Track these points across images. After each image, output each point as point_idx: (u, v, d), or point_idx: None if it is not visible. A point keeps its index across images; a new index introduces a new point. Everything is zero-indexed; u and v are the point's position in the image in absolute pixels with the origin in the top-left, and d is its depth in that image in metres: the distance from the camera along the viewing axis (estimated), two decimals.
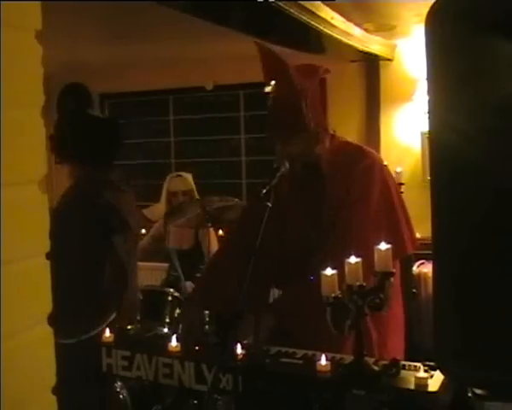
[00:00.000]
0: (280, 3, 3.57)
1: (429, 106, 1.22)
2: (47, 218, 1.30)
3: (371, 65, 6.17)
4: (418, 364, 2.18)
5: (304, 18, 3.91)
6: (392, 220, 2.76)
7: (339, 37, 4.67)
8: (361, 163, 2.75)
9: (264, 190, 2.45)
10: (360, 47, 5.29)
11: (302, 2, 3.78)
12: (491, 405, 1.43)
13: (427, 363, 2.12)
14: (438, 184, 1.22)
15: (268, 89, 2.76)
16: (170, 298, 3.30)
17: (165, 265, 5.13)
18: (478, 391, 1.34)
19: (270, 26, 4.34)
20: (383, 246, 2.16)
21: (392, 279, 2.16)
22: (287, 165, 2.63)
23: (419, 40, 5.37)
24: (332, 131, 2.89)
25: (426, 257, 5.30)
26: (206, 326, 2.78)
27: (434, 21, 1.17)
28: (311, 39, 4.71)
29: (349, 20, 4.71)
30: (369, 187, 2.71)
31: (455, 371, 1.25)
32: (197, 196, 5.11)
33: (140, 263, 5.05)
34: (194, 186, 5.21)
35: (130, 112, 7.24)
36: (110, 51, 6.14)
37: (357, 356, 2.20)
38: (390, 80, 6.12)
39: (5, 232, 1.17)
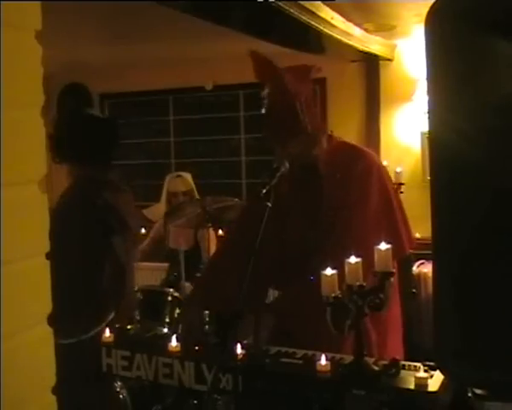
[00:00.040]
0: (280, 3, 3.57)
1: (429, 106, 1.22)
2: (47, 218, 1.30)
3: (371, 65, 6.17)
4: (418, 364, 2.18)
5: (304, 18, 3.91)
6: (391, 220, 2.76)
7: (339, 37, 4.67)
8: (359, 164, 2.75)
9: (264, 190, 2.45)
10: (360, 47, 5.29)
11: (302, 2, 3.78)
12: (491, 405, 1.43)
13: (427, 363, 2.13)
14: (438, 184, 1.22)
15: (263, 94, 2.77)
16: (170, 298, 3.30)
17: (165, 265, 5.13)
18: (478, 391, 1.34)
19: (270, 26, 4.35)
20: (383, 246, 2.16)
21: (392, 279, 2.16)
22: (287, 165, 2.63)
23: (419, 40, 5.37)
24: (329, 132, 2.89)
25: (426, 257, 5.31)
26: (206, 326, 2.78)
27: (434, 21, 1.17)
28: (311, 39, 4.71)
29: (349, 20, 4.71)
30: (367, 187, 2.71)
31: (455, 371, 1.25)
32: (197, 196, 5.11)
33: (140, 263, 5.06)
34: (194, 186, 5.22)
35: (129, 112, 7.24)
36: (110, 51, 6.14)
37: (357, 356, 2.20)
38: (390, 80, 6.12)
39: (5, 232, 1.17)
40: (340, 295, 2.17)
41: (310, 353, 2.40)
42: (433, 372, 2.09)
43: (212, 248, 4.62)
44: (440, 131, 1.20)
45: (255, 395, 2.28)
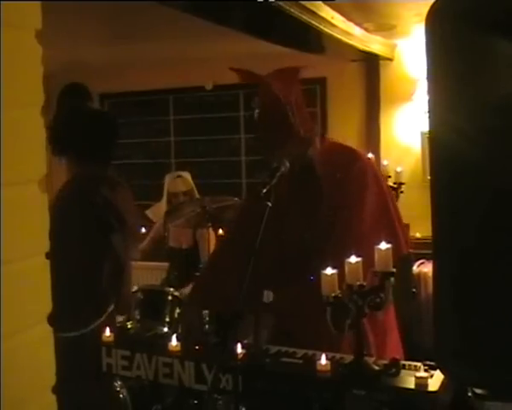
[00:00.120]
0: (280, 3, 3.57)
1: (429, 106, 1.22)
2: (47, 217, 1.30)
3: (371, 64, 6.16)
4: (418, 363, 2.18)
5: (304, 17, 3.91)
6: (388, 221, 2.77)
7: (339, 36, 4.67)
8: (355, 164, 2.76)
9: (265, 190, 2.45)
10: (360, 46, 5.28)
11: (302, 2, 3.78)
12: (491, 405, 1.43)
13: (428, 363, 2.13)
14: (438, 184, 1.22)
15: (253, 102, 2.78)
16: (170, 298, 3.29)
17: (166, 264, 5.13)
18: (478, 391, 1.34)
19: (270, 26, 4.35)
20: (383, 246, 2.16)
21: (392, 279, 2.16)
22: (287, 164, 2.63)
23: (419, 40, 5.37)
24: (321, 133, 2.90)
25: (426, 257, 5.31)
26: (206, 326, 2.78)
27: (434, 21, 1.17)
28: (312, 39, 4.71)
29: (349, 19, 4.71)
30: (364, 188, 2.72)
31: (455, 370, 1.25)
32: (197, 196, 5.12)
33: (140, 263, 5.07)
34: (194, 186, 5.22)
35: (130, 112, 7.23)
36: (110, 51, 6.14)
37: (357, 356, 2.20)
38: (390, 80, 6.12)
39: (5, 232, 1.17)
40: (340, 295, 2.17)
41: (310, 352, 2.40)
42: (433, 372, 2.09)
43: (212, 248, 4.62)
44: (440, 131, 1.20)
45: (255, 394, 2.28)
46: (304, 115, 2.74)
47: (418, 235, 5.48)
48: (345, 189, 2.71)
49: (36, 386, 1.28)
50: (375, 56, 5.88)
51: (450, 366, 1.24)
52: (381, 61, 6.10)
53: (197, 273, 4.06)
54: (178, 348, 2.48)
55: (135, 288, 3.33)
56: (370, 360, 2.24)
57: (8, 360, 1.17)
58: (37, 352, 1.28)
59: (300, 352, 2.42)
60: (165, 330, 3.16)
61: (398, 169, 5.32)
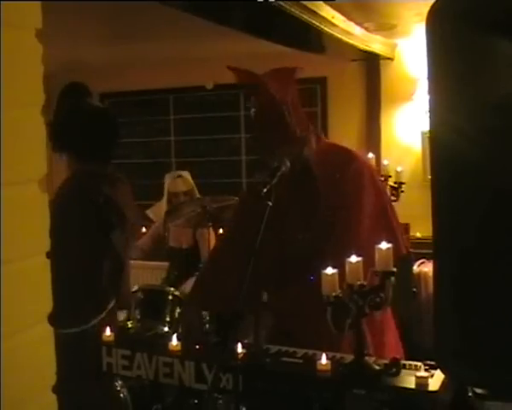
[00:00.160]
0: (281, 3, 3.57)
1: (430, 105, 1.22)
2: (47, 217, 1.30)
3: (372, 64, 6.17)
4: (419, 363, 2.18)
5: (305, 17, 3.91)
6: (387, 221, 2.77)
7: (339, 36, 4.67)
8: (351, 165, 2.77)
9: (265, 190, 2.45)
10: (361, 46, 5.29)
11: (303, 2, 3.78)
12: (491, 404, 1.43)
13: (428, 362, 2.12)
14: (438, 184, 1.22)
15: (249, 102, 2.78)
16: (170, 297, 3.30)
17: (166, 264, 5.13)
18: (478, 390, 1.34)
19: (270, 26, 4.35)
20: (384, 245, 2.16)
21: (392, 279, 2.16)
22: (288, 164, 2.63)
23: (419, 39, 5.37)
24: (317, 133, 2.90)
25: (426, 256, 5.31)
26: (207, 325, 2.78)
27: (435, 21, 1.17)
28: (312, 38, 4.72)
29: (350, 19, 4.71)
30: (361, 188, 2.72)
31: (455, 370, 1.25)
32: (198, 195, 5.12)
33: (140, 262, 5.07)
34: (194, 185, 5.23)
35: (130, 111, 7.23)
36: (110, 50, 6.14)
37: (357, 356, 2.20)
38: (390, 79, 6.12)
39: (5, 231, 1.17)
40: (340, 295, 2.17)
41: (310, 352, 2.40)
42: (433, 372, 2.09)
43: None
44: (441, 131, 1.20)
45: (255, 394, 2.28)
46: (300, 115, 2.75)
47: (418, 234, 5.49)
48: (342, 189, 2.71)
49: (36, 386, 1.28)
50: (375, 56, 5.89)
51: (451, 365, 1.24)
52: (382, 61, 6.10)
53: (197, 273, 4.06)
54: (179, 348, 2.48)
55: (135, 287, 3.34)
56: (371, 359, 2.24)
57: (8, 359, 1.17)
58: (37, 351, 1.28)
59: (301, 352, 2.42)
60: (166, 329, 3.17)
61: (399, 169, 5.32)
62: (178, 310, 3.25)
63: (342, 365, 2.25)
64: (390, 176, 5.27)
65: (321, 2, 4.05)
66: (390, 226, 2.76)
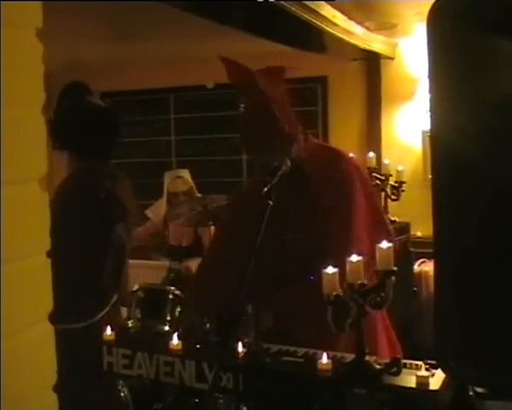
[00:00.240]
0: (282, 2, 3.57)
1: (430, 104, 1.22)
2: (47, 216, 1.30)
3: (372, 63, 6.17)
4: (419, 362, 2.17)
5: (305, 16, 3.91)
6: (378, 218, 2.81)
7: (340, 35, 4.67)
8: (340, 163, 2.80)
9: (266, 189, 2.45)
10: (361, 45, 5.29)
11: (304, 1, 3.78)
12: (491, 404, 1.43)
13: (429, 362, 2.12)
14: (438, 183, 1.22)
15: (239, 99, 2.80)
16: (171, 296, 3.30)
17: (166, 263, 5.14)
18: (479, 390, 1.34)
19: (271, 25, 4.35)
20: (384, 244, 2.16)
21: (393, 278, 2.16)
22: (288, 163, 2.63)
23: (420, 38, 5.37)
24: (305, 133, 2.91)
25: (427, 256, 5.31)
26: (207, 325, 2.78)
27: (435, 20, 1.17)
28: (313, 38, 4.72)
29: (350, 18, 4.71)
30: (352, 187, 2.75)
31: (456, 369, 1.25)
32: (197, 193, 5.13)
33: (140, 261, 5.07)
34: (193, 184, 5.23)
35: (130, 110, 7.23)
36: (111, 50, 6.14)
37: (358, 355, 2.20)
38: (391, 79, 6.12)
39: (5, 230, 1.16)
40: (341, 294, 2.17)
41: (311, 351, 2.40)
42: (434, 371, 2.09)
43: None
44: (441, 130, 1.20)
45: (256, 393, 2.28)
46: (289, 114, 2.76)
47: (419, 234, 5.49)
48: (334, 188, 2.73)
49: (36, 385, 1.28)
50: (376, 55, 5.89)
51: (451, 365, 1.24)
52: (382, 60, 6.10)
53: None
54: (179, 347, 2.48)
55: (136, 286, 3.34)
56: (371, 359, 2.24)
57: (8, 359, 1.17)
58: (37, 351, 1.28)
59: (301, 351, 2.42)
60: (166, 328, 3.16)
61: (399, 168, 5.32)
62: (179, 309, 3.25)
63: (343, 364, 2.25)
64: (391, 175, 5.27)
65: (321, 2, 4.05)
66: (383, 223, 2.81)
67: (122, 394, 2.86)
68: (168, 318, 3.20)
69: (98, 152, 3.20)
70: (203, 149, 7.17)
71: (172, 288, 3.36)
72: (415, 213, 5.06)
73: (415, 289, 5.26)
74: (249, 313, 2.35)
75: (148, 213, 5.48)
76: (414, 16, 4.78)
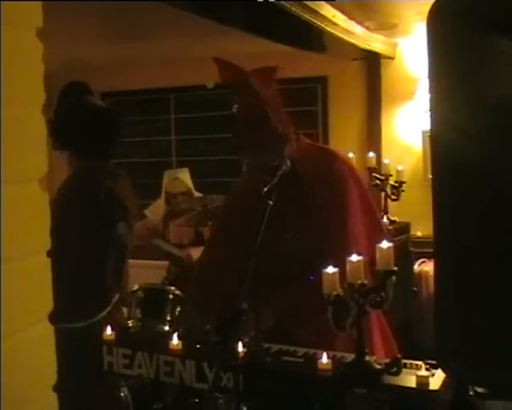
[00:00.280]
0: (282, 2, 3.57)
1: (430, 104, 1.22)
2: (48, 216, 1.30)
3: (372, 63, 6.16)
4: (419, 362, 2.17)
5: (305, 16, 3.91)
6: (373, 216, 2.83)
7: (340, 35, 4.67)
8: (333, 163, 2.81)
9: (266, 189, 2.45)
10: (361, 45, 5.28)
11: (304, 1, 3.78)
12: (492, 404, 1.43)
13: (429, 362, 2.12)
14: (439, 183, 1.22)
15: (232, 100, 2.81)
16: (171, 296, 3.30)
17: (166, 263, 5.14)
18: (479, 390, 1.34)
19: (271, 25, 4.34)
20: (384, 244, 2.16)
21: (393, 278, 2.16)
22: (288, 163, 2.63)
23: (420, 38, 5.37)
24: (297, 133, 2.91)
25: (427, 255, 5.31)
26: (207, 325, 2.78)
27: (435, 20, 1.17)
28: (313, 37, 4.71)
29: (350, 18, 4.71)
30: (347, 186, 2.76)
31: (456, 369, 1.25)
32: (195, 194, 5.14)
33: (141, 261, 5.07)
34: (191, 185, 5.24)
35: (131, 110, 7.23)
36: (111, 49, 6.14)
37: (358, 355, 2.20)
38: (391, 78, 6.12)
39: (6, 230, 1.16)
40: (341, 294, 2.17)
41: (311, 351, 2.40)
42: (434, 371, 2.09)
43: None
44: (442, 130, 1.20)
45: (256, 393, 2.28)
46: (281, 114, 2.78)
47: (419, 234, 5.48)
48: (327, 187, 2.74)
49: (36, 385, 1.28)
50: (376, 55, 5.88)
51: (451, 365, 1.24)
52: (383, 60, 6.09)
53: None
54: (179, 347, 2.48)
55: (136, 286, 3.35)
56: (371, 358, 2.24)
57: (8, 358, 1.17)
58: (37, 351, 1.28)
59: (301, 351, 2.42)
60: (166, 328, 3.16)
61: (400, 168, 5.31)
62: (179, 309, 3.25)
63: (343, 364, 2.25)
64: (391, 175, 5.27)
65: (322, 2, 4.05)
66: (377, 221, 2.83)
67: (122, 393, 2.86)
68: (168, 318, 3.21)
69: (98, 152, 3.21)
70: (203, 148, 7.16)
71: (172, 288, 3.36)
72: (415, 212, 5.06)
73: (415, 289, 5.25)
74: (248, 313, 2.34)
75: (147, 212, 5.48)
76: (414, 16, 4.78)
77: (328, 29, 4.36)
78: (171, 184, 5.25)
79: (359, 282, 2.15)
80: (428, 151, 5.43)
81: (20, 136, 1.22)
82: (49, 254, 1.29)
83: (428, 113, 1.23)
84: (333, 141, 6.36)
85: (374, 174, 5.25)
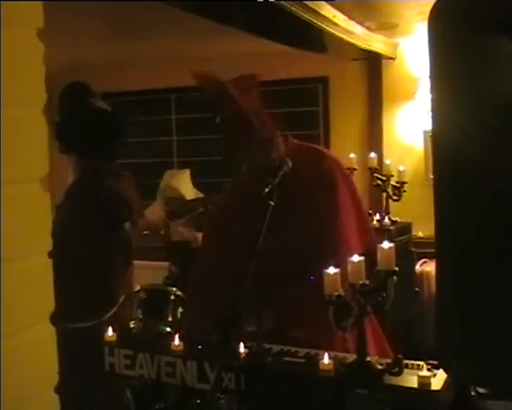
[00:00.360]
0: (282, 2, 3.57)
1: (432, 104, 1.22)
2: (49, 216, 1.29)
3: (373, 63, 6.16)
4: (421, 363, 2.17)
5: (306, 16, 3.91)
6: (361, 214, 2.84)
7: (341, 35, 4.66)
8: (322, 163, 2.84)
9: (267, 189, 2.45)
10: (362, 45, 5.28)
11: (304, 1, 3.78)
12: (493, 404, 1.43)
13: (430, 362, 2.12)
14: (440, 183, 1.22)
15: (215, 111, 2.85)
16: (172, 297, 3.29)
17: (167, 264, 5.13)
18: (481, 390, 1.34)
19: (272, 25, 4.34)
20: (386, 245, 2.16)
21: (395, 278, 2.16)
22: (289, 163, 2.63)
23: (421, 38, 5.36)
24: (285, 134, 2.92)
25: (428, 256, 5.31)
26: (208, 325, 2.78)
27: (436, 20, 1.17)
28: (314, 38, 4.71)
29: (351, 18, 4.71)
30: (336, 185, 2.77)
31: (457, 369, 1.25)
32: (187, 198, 5.17)
33: (141, 262, 5.07)
34: (184, 193, 5.26)
35: (132, 111, 7.23)
36: (112, 50, 6.14)
37: (359, 355, 2.19)
38: (392, 79, 6.12)
39: (6, 230, 1.16)
40: (342, 294, 2.17)
41: (312, 352, 2.40)
42: (435, 371, 2.09)
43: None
44: (443, 130, 1.20)
45: (257, 394, 2.28)
46: (264, 119, 2.80)
47: (421, 234, 5.48)
48: (318, 187, 2.74)
49: (37, 385, 1.28)
50: (377, 55, 5.88)
51: (453, 364, 1.24)
52: (384, 60, 6.09)
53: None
54: (181, 348, 2.48)
55: (137, 287, 3.35)
56: (373, 359, 2.23)
57: (8, 359, 1.17)
58: (38, 351, 1.28)
59: (303, 351, 2.42)
60: (168, 329, 3.16)
61: (401, 168, 5.31)
62: (180, 310, 3.25)
63: (344, 364, 2.25)
64: (392, 175, 5.27)
65: (322, 2, 4.05)
66: (364, 220, 2.83)
67: (124, 394, 2.86)
68: (170, 318, 3.21)
69: (104, 153, 3.24)
70: (204, 149, 7.16)
71: (174, 288, 3.36)
72: (416, 213, 5.05)
73: (416, 289, 5.25)
74: (248, 313, 2.35)
75: (147, 212, 5.48)
76: (415, 16, 4.77)
77: (329, 29, 4.35)
78: (164, 190, 5.29)
79: (360, 282, 2.15)
80: (430, 151, 5.42)
81: (21, 136, 1.22)
82: (50, 254, 1.29)
83: (429, 113, 1.23)
84: (334, 141, 6.36)
85: (375, 175, 5.25)
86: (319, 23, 4.14)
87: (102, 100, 3.41)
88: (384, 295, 2.15)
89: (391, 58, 6.04)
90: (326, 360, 2.21)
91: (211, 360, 2.35)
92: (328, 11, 4.18)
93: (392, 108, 6.13)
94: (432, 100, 1.22)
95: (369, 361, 2.19)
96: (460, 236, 1.18)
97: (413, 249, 5.22)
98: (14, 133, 1.19)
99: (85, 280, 3.04)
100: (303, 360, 2.35)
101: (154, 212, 5.39)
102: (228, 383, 2.30)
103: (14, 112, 1.18)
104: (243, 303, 2.19)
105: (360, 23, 4.96)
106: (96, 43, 5.85)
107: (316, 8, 3.97)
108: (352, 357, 2.27)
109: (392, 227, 4.99)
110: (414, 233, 5.40)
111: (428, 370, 2.09)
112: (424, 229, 5.39)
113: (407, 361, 2.22)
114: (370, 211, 5.21)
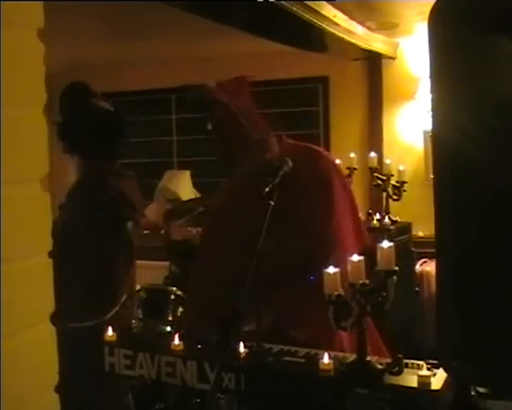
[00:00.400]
0: (283, 2, 3.57)
1: (432, 104, 1.22)
2: (49, 216, 1.29)
3: (374, 63, 6.16)
4: (421, 362, 2.17)
5: (306, 16, 3.91)
6: (355, 214, 2.84)
7: (341, 35, 4.67)
8: (318, 163, 2.84)
9: (267, 189, 2.45)
10: (363, 45, 5.28)
11: (305, 1, 3.78)
12: (493, 403, 1.43)
13: (430, 361, 2.12)
14: (440, 183, 1.22)
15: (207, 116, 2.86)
16: (173, 297, 3.29)
17: (167, 263, 5.13)
18: (481, 390, 1.34)
19: (272, 25, 4.35)
20: (386, 244, 2.16)
21: (395, 277, 2.16)
22: (289, 163, 2.63)
23: (421, 38, 5.36)
24: (279, 135, 2.93)
25: (428, 255, 5.31)
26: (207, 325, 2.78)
27: (436, 20, 1.17)
28: (314, 37, 4.71)
29: (351, 18, 4.71)
30: (331, 185, 2.77)
31: (457, 369, 1.25)
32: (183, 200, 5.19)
33: (141, 262, 5.06)
34: (179, 195, 5.26)
35: (132, 111, 7.23)
36: (112, 50, 6.14)
37: (359, 355, 2.19)
38: (392, 78, 6.12)
39: (6, 230, 1.16)
40: (342, 294, 2.17)
41: (312, 352, 2.40)
42: (435, 371, 2.09)
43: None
44: (443, 130, 1.20)
45: (258, 393, 2.28)
46: (256, 121, 2.82)
47: (421, 234, 5.48)
48: (313, 187, 2.74)
49: (37, 385, 1.28)
50: (377, 55, 5.88)
51: (453, 364, 1.24)
52: (384, 60, 6.09)
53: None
54: (181, 348, 2.48)
55: (138, 287, 3.35)
56: (373, 358, 2.23)
57: (9, 359, 1.17)
58: (38, 351, 1.28)
59: (303, 351, 2.42)
60: (168, 329, 3.16)
61: (401, 168, 5.31)
62: (181, 309, 3.25)
63: (344, 364, 2.25)
64: (392, 175, 5.27)
65: (322, 2, 4.05)
66: (358, 219, 2.86)
67: (124, 394, 2.86)
68: (170, 318, 3.21)
69: (107, 153, 3.25)
70: (204, 149, 7.16)
71: (174, 288, 3.36)
72: (416, 213, 5.05)
73: (416, 289, 5.25)
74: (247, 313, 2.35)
75: (147, 212, 5.48)
76: (415, 16, 4.78)
77: (329, 29, 4.36)
78: (161, 191, 5.30)
79: (360, 282, 2.15)
80: (430, 151, 5.42)
81: (22, 136, 1.22)
82: (50, 254, 1.29)
83: (430, 113, 1.23)
84: (334, 141, 6.36)
85: (375, 174, 5.25)
86: (320, 23, 4.14)
87: (103, 100, 3.41)
88: (384, 294, 2.15)
89: (391, 58, 6.04)
90: (326, 359, 2.21)
91: (211, 359, 2.35)
92: (329, 11, 4.18)
93: (392, 108, 6.13)
94: (432, 100, 1.22)
95: (369, 361, 2.19)
96: (460, 236, 1.18)
97: (413, 249, 5.22)
98: (14, 133, 1.19)
99: (88, 280, 3.05)
100: (303, 360, 2.35)
101: (153, 212, 5.39)
102: (228, 383, 2.30)
103: (14, 112, 1.18)
104: (243, 303, 2.19)
105: (360, 23, 4.97)
106: (96, 43, 5.85)
107: (316, 8, 3.97)
108: (351, 357, 2.27)
109: (392, 227, 4.99)
110: (414, 233, 5.40)
111: (428, 369, 2.09)
112: (424, 229, 5.39)
113: (407, 361, 2.22)
114: (370, 211, 5.22)
